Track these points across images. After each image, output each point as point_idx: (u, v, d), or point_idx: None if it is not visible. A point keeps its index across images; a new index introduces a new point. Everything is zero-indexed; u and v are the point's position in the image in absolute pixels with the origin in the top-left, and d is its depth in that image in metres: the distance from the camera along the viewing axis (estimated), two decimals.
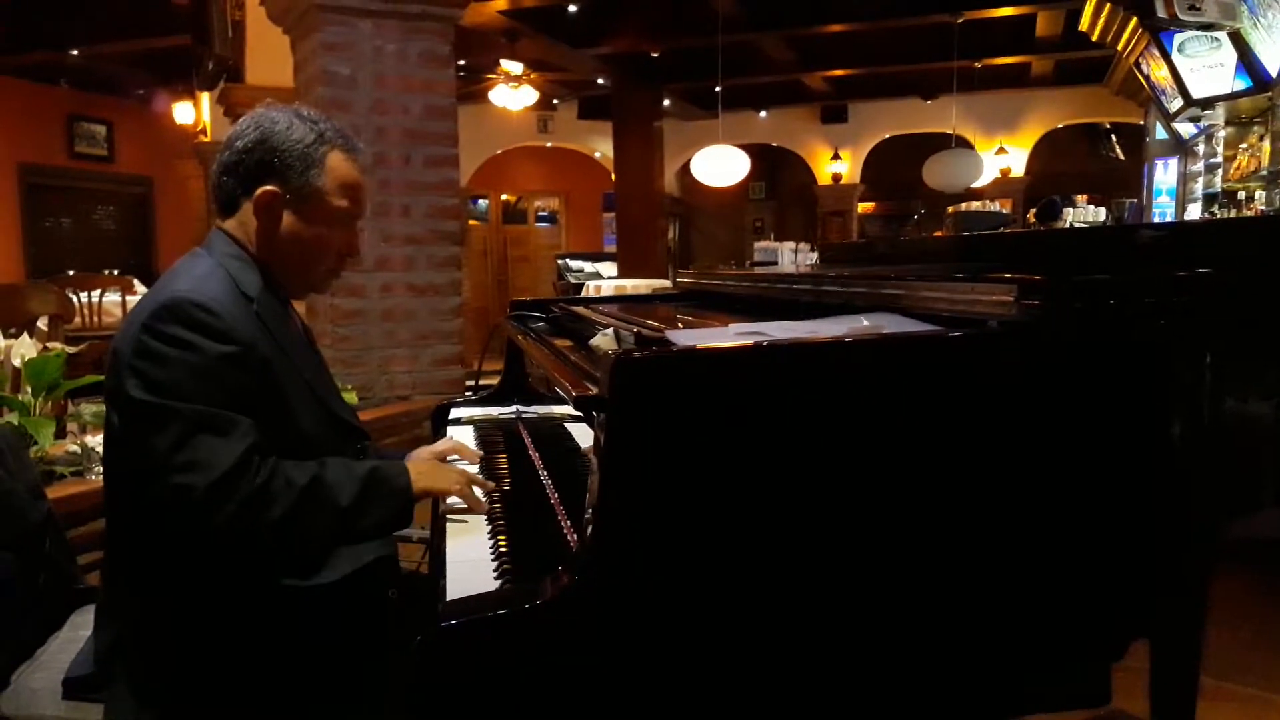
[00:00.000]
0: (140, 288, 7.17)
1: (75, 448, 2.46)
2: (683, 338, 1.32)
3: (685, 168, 11.72)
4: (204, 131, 9.02)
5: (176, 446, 1.29)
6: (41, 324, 3.85)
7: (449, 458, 1.89)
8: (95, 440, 2.46)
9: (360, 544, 1.48)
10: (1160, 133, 8.70)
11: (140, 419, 1.32)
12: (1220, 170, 7.25)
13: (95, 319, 6.12)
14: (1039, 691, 1.21)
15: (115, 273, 7.94)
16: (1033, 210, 9.02)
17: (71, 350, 2.65)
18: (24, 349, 2.50)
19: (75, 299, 5.40)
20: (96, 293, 6.21)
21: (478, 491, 1.55)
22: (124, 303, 6.23)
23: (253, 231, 1.51)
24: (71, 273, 7.68)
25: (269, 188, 1.48)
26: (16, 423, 2.30)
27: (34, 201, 10.37)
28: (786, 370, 1.12)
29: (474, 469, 1.89)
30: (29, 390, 2.41)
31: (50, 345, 2.68)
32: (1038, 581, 1.18)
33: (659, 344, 1.30)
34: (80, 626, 1.66)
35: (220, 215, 1.54)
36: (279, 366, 1.45)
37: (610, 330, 1.61)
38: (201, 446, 1.30)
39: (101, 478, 2.32)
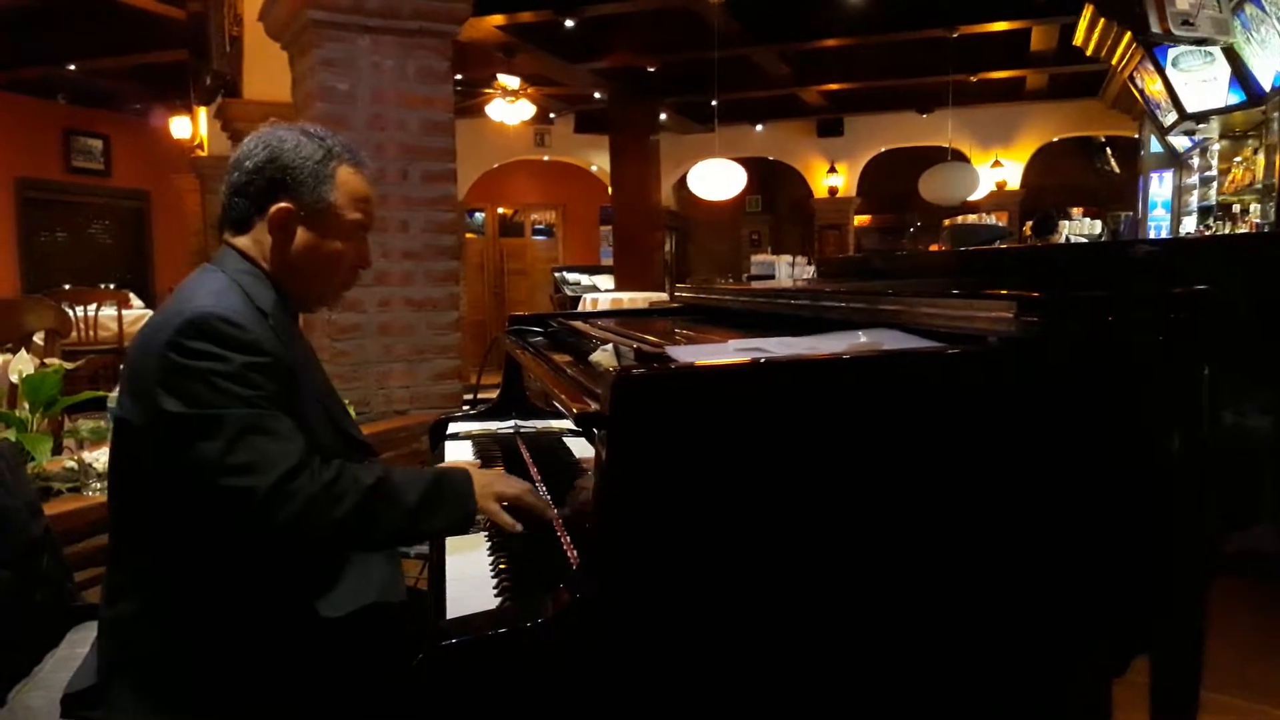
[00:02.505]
0: (137, 302, 7.17)
1: (72, 464, 2.45)
2: (683, 354, 1.32)
3: (682, 181, 11.76)
4: (201, 146, 9.03)
5: (228, 450, 1.30)
6: (37, 339, 3.84)
7: None
8: (92, 456, 2.45)
9: (369, 581, 1.49)
10: (1155, 146, 8.74)
11: (183, 433, 1.32)
12: (1215, 183, 7.29)
13: (91, 334, 6.12)
14: (1040, 706, 1.20)
15: (111, 287, 7.95)
16: (1029, 223, 9.06)
17: (69, 366, 2.65)
18: (21, 365, 2.50)
19: (71, 313, 5.40)
20: (93, 307, 6.21)
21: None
22: (120, 317, 6.23)
23: (267, 248, 1.52)
24: (67, 287, 7.69)
25: (283, 205, 1.49)
26: (13, 439, 2.29)
27: (30, 215, 10.37)
28: (788, 387, 1.12)
29: None
30: (26, 406, 2.41)
31: (48, 361, 2.67)
32: (1039, 596, 1.18)
33: (659, 360, 1.30)
34: (77, 644, 1.65)
35: (231, 232, 1.55)
36: (298, 379, 1.46)
37: (610, 346, 1.61)
38: (254, 448, 1.31)
39: (98, 494, 2.35)
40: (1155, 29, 4.94)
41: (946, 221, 10.13)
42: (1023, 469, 1.16)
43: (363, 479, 1.37)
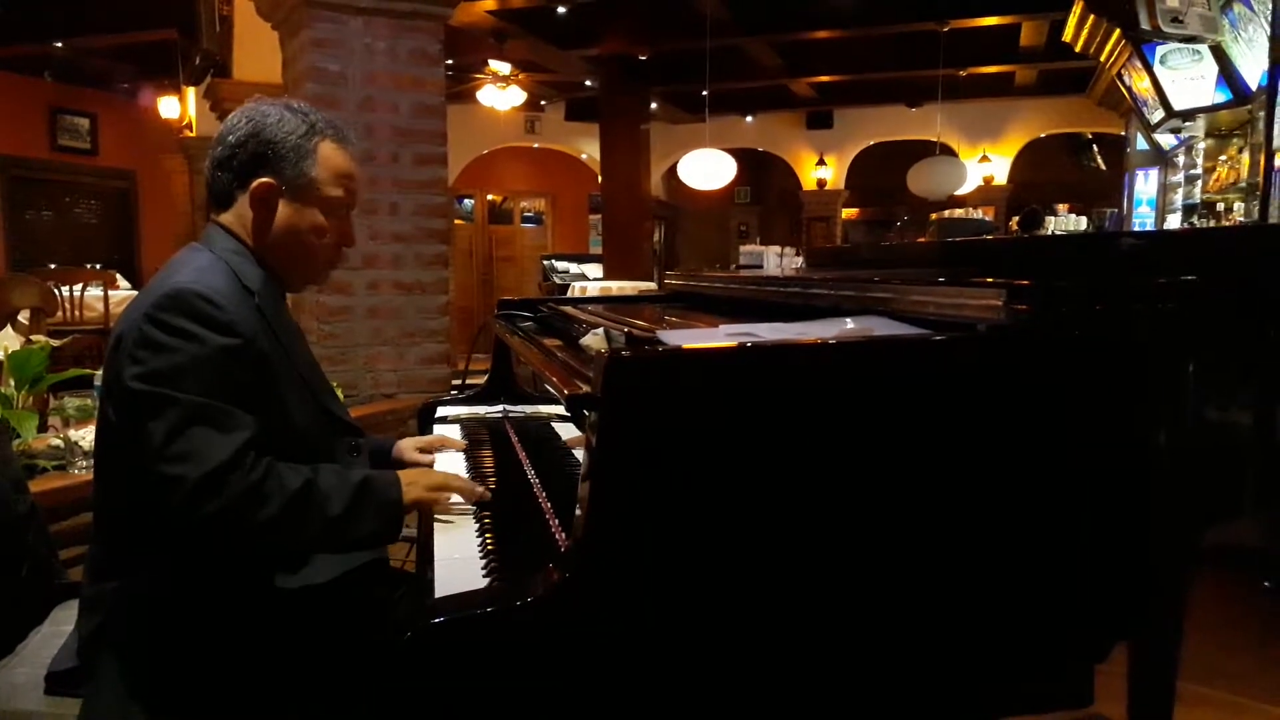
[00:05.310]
0: (123, 282, 7.13)
1: (58, 441, 2.44)
2: (674, 337, 1.32)
3: (672, 171, 11.74)
4: (189, 126, 8.96)
5: (171, 436, 1.29)
6: (22, 317, 3.82)
7: (434, 449, 1.89)
8: (78, 434, 2.44)
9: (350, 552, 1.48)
10: (1141, 143, 8.78)
11: (138, 407, 1.32)
12: (1200, 181, 7.32)
13: (77, 313, 6.07)
14: (1023, 691, 1.22)
15: (97, 267, 7.89)
16: (1015, 218, 9.11)
17: (55, 344, 2.63)
18: (6, 340, 2.49)
19: (57, 293, 5.36)
20: (78, 287, 6.16)
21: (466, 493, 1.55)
22: (106, 297, 6.19)
23: (250, 224, 1.51)
24: (53, 266, 7.63)
25: (264, 179, 1.48)
26: None
27: (15, 194, 10.26)
28: (778, 371, 1.13)
29: (460, 459, 1.89)
30: (11, 383, 2.40)
31: (34, 338, 2.66)
32: (1022, 582, 1.19)
33: (650, 343, 1.31)
34: (62, 621, 1.65)
35: (216, 209, 1.54)
36: (277, 361, 1.46)
37: (601, 330, 1.62)
38: (196, 437, 1.30)
39: (84, 472, 2.34)
40: (1145, 25, 4.95)
41: (934, 215, 10.16)
42: (1007, 454, 1.17)
43: (289, 482, 1.34)
